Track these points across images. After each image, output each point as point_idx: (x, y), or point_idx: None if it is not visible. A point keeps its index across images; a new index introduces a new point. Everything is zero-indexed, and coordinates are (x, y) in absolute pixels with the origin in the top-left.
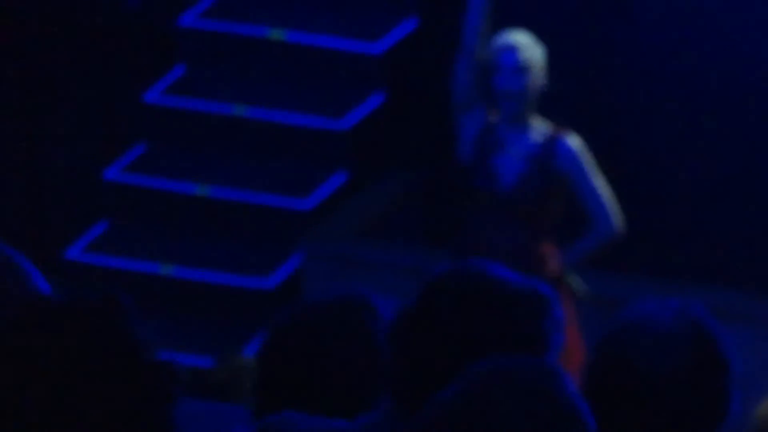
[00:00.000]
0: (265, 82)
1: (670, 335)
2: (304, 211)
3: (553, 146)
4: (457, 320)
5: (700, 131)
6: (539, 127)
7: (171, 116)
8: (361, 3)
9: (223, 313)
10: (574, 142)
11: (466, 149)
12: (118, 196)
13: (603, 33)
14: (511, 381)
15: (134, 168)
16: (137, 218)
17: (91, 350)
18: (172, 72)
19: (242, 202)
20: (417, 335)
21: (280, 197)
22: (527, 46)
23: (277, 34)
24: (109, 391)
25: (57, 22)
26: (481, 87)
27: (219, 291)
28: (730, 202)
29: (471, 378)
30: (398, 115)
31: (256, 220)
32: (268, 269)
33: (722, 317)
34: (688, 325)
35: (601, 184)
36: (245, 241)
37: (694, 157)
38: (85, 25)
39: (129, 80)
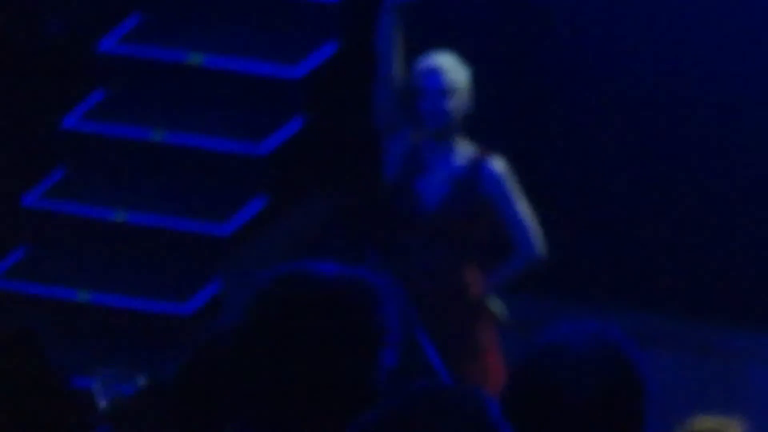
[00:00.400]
0: (185, 107)
1: (585, 359)
2: (222, 237)
3: (477, 169)
4: (288, 326)
5: (623, 155)
6: (464, 150)
7: (89, 141)
8: (281, 27)
9: (140, 338)
10: (498, 165)
11: (390, 172)
12: (36, 222)
13: (526, 53)
14: (436, 404)
15: (53, 194)
16: (55, 244)
17: (3, 381)
18: (90, 97)
19: (160, 227)
20: (254, 348)
21: (199, 222)
22: (451, 68)
23: (196, 58)
24: (25, 420)
25: None
26: (406, 109)
27: (137, 316)
28: (652, 227)
29: (396, 401)
30: (319, 139)
31: (175, 245)
32: (186, 295)
33: (643, 341)
34: (604, 348)
35: (524, 208)
36: (163, 267)
37: (617, 181)
38: (4, 49)
39: (48, 105)
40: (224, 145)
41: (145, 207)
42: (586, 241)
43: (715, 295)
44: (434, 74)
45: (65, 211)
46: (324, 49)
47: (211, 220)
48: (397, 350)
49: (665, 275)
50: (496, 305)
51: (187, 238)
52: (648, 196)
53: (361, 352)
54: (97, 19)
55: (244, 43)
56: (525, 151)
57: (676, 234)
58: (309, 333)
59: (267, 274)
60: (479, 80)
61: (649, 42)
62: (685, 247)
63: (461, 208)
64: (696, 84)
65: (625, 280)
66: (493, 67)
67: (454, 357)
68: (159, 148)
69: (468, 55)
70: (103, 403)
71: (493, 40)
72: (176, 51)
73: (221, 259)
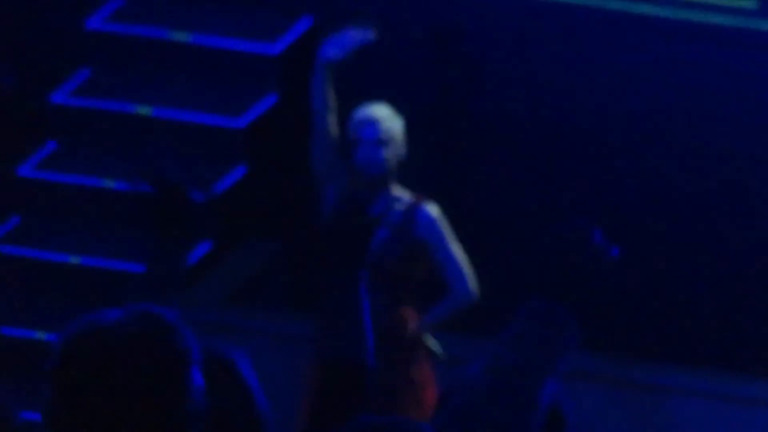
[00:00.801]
0: (134, 156)
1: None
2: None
3: (412, 214)
4: (94, 376)
5: (550, 197)
6: (400, 196)
7: (43, 189)
8: (223, 79)
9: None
10: (433, 210)
11: (327, 218)
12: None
13: (458, 102)
14: None
15: (8, 240)
16: (14, 287)
17: None
18: (44, 147)
19: (112, 270)
20: (66, 414)
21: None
22: (386, 118)
23: (144, 110)
24: None
25: None
26: (342, 158)
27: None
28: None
29: None
30: (260, 186)
31: (125, 288)
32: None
33: (576, 377)
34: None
35: (458, 251)
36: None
37: (546, 221)
38: None
39: (3, 155)
40: None
41: (100, 252)
42: (519, 282)
43: (644, 332)
44: (369, 125)
45: (21, 255)
46: (264, 100)
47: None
48: (200, 367)
49: (596, 314)
50: (432, 343)
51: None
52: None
53: (172, 377)
54: (48, 73)
55: (189, 95)
56: (459, 196)
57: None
58: (116, 376)
59: (58, 339)
60: (414, 130)
61: (578, 92)
62: (614, 286)
63: (398, 251)
64: (624, 132)
65: None
66: (426, 116)
67: (392, 391)
68: (111, 195)
69: (402, 105)
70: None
71: (427, 91)
72: (123, 103)
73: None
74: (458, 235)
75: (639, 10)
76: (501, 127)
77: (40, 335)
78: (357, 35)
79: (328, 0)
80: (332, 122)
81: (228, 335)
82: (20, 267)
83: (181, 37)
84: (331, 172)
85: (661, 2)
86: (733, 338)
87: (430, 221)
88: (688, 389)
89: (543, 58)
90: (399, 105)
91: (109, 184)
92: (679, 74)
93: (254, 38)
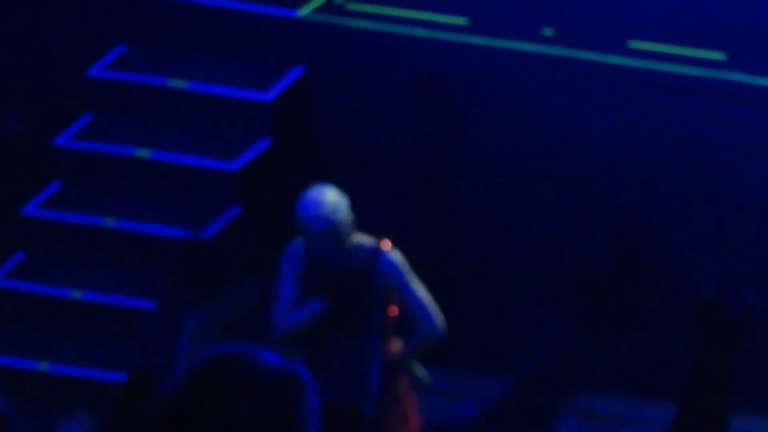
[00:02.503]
0: (133, 198)
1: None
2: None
3: (374, 261)
4: (215, 407)
5: (531, 243)
6: (361, 244)
7: (47, 227)
8: (216, 123)
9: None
10: (393, 255)
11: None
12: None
13: (439, 147)
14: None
15: (13, 275)
16: (17, 320)
17: None
18: (48, 187)
19: (112, 305)
20: (180, 423)
21: (143, 300)
22: (334, 208)
23: (143, 152)
24: None
25: None
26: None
27: (87, 385)
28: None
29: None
30: (254, 223)
31: (126, 322)
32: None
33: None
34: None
35: (422, 291)
36: (109, 343)
37: (512, 263)
38: None
39: (8, 194)
40: (164, 230)
41: (99, 287)
42: (486, 317)
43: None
44: (316, 221)
45: (29, 290)
46: (258, 144)
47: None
48: None
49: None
50: (419, 371)
51: (130, 315)
52: (521, 277)
53: None
54: (52, 118)
55: (186, 139)
56: (439, 241)
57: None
58: (234, 414)
59: (208, 351)
60: (396, 174)
61: (554, 138)
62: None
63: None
64: (602, 176)
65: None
66: (408, 161)
67: (378, 409)
68: (108, 234)
69: (386, 151)
70: None
71: (409, 136)
72: (124, 146)
73: None
74: (437, 279)
75: (612, 61)
76: (481, 172)
77: (42, 366)
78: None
79: (318, 51)
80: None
81: None
82: (24, 301)
83: (179, 84)
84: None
85: (635, 54)
86: None
87: (392, 266)
88: (640, 419)
89: (520, 106)
90: (383, 151)
91: (110, 222)
92: (651, 122)
93: (248, 86)
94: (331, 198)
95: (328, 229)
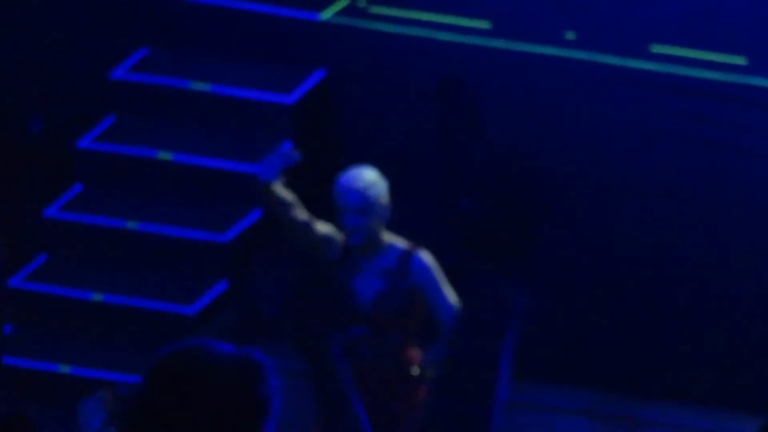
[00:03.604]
0: (155, 198)
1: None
2: (188, 316)
3: (407, 262)
4: (177, 401)
5: (555, 241)
6: (393, 244)
7: (68, 230)
8: (238, 125)
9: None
10: (426, 257)
11: (328, 275)
12: (19, 304)
13: (460, 149)
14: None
15: (34, 277)
16: (39, 321)
17: None
18: (70, 190)
19: (132, 306)
20: (145, 419)
21: (167, 303)
22: (368, 185)
23: (165, 155)
24: None
25: None
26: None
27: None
28: (579, 312)
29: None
30: (272, 231)
31: (146, 324)
32: None
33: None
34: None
35: (451, 294)
36: (130, 345)
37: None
38: None
39: (31, 196)
40: (191, 233)
41: (120, 289)
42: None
43: (631, 369)
44: (350, 194)
45: (48, 292)
46: (280, 146)
47: (179, 301)
48: (277, 421)
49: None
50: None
51: (157, 316)
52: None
53: (247, 421)
54: (75, 120)
55: (208, 141)
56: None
57: (596, 319)
58: (197, 404)
59: (165, 349)
60: (417, 175)
61: (575, 140)
62: (605, 331)
63: (395, 299)
64: (621, 179)
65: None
66: (430, 162)
67: (397, 419)
68: (132, 236)
69: (409, 153)
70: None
71: (430, 137)
72: (146, 148)
73: (187, 337)
74: (456, 281)
75: (634, 65)
76: (502, 174)
77: (64, 369)
78: (284, 157)
79: (340, 54)
80: (296, 214)
81: None
82: (45, 303)
83: (201, 87)
84: (315, 246)
85: (656, 58)
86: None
87: (424, 268)
88: (663, 423)
89: (542, 109)
90: (405, 153)
91: (132, 225)
92: (672, 125)
93: (270, 89)
94: (369, 175)
95: (361, 203)
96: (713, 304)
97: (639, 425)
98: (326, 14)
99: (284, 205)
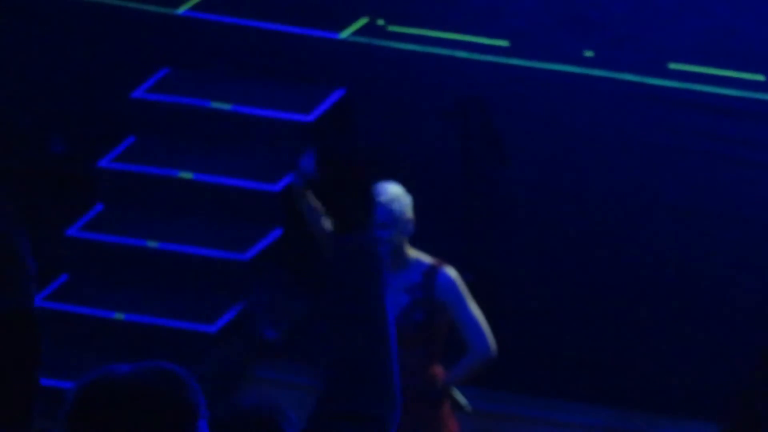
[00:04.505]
0: (175, 219)
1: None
2: (210, 334)
3: (432, 278)
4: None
5: (573, 265)
6: (418, 260)
7: (91, 250)
8: (259, 143)
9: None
10: (451, 273)
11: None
12: (41, 324)
13: (480, 170)
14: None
15: (56, 297)
16: (61, 341)
17: None
18: (92, 209)
19: (154, 325)
20: None
21: (188, 322)
22: (392, 199)
23: (186, 175)
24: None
25: None
26: None
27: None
28: (581, 328)
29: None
30: (296, 243)
31: (168, 343)
32: None
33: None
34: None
35: (476, 311)
36: (159, 361)
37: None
38: (15, 166)
39: (53, 216)
40: (212, 252)
41: (144, 310)
42: (531, 339)
43: (647, 387)
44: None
45: (71, 311)
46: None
47: (199, 320)
48: (207, 421)
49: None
50: (459, 397)
51: (179, 335)
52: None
53: (181, 428)
54: (96, 140)
55: (229, 161)
56: (481, 262)
57: (599, 336)
58: (125, 427)
59: (72, 388)
60: (438, 197)
61: (596, 160)
62: (599, 347)
63: (420, 315)
64: (644, 200)
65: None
66: (451, 184)
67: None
68: (154, 255)
69: (429, 173)
70: None
71: (452, 159)
72: (167, 168)
73: (209, 354)
74: (481, 300)
75: (653, 83)
76: (522, 194)
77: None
78: (311, 164)
79: (360, 73)
80: (325, 225)
81: (263, 388)
82: (67, 323)
83: (222, 106)
84: None
85: (675, 75)
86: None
87: (450, 284)
88: None
89: (561, 128)
90: (424, 172)
91: (152, 244)
92: (691, 143)
93: (290, 108)
94: (393, 190)
95: (385, 217)
96: (731, 323)
97: None
98: (345, 33)
99: (316, 213)
